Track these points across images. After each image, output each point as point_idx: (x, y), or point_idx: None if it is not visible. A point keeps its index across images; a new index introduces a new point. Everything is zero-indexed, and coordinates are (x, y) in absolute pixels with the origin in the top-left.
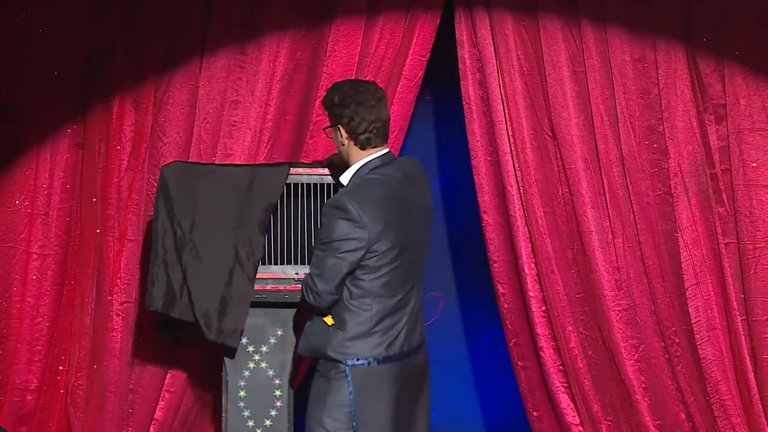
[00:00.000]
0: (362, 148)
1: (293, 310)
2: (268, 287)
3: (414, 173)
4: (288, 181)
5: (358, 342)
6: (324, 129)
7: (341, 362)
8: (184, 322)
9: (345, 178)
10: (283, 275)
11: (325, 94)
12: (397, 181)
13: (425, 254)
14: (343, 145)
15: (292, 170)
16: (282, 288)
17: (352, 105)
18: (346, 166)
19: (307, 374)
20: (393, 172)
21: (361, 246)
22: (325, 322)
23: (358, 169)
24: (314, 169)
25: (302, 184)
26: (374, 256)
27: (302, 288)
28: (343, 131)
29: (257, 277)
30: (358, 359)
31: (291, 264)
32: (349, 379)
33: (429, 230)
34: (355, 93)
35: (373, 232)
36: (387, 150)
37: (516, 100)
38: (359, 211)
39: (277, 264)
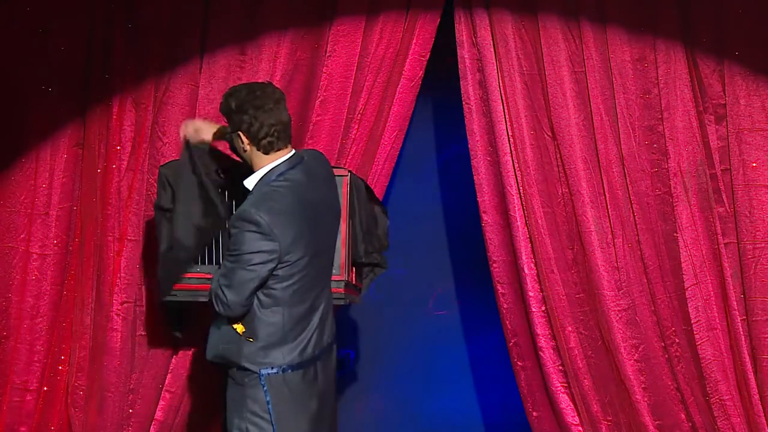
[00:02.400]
0: (265, 153)
1: None
2: None
3: (319, 171)
4: None
5: (272, 351)
6: (225, 137)
7: (254, 372)
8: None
9: (250, 183)
10: None
11: (221, 100)
12: (304, 186)
13: (332, 254)
14: (245, 151)
15: None
16: None
17: (250, 110)
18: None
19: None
20: (300, 177)
21: (272, 258)
22: (235, 330)
23: (264, 175)
24: None
25: None
26: (286, 266)
27: (210, 297)
28: (243, 138)
29: None
30: (272, 368)
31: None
32: (265, 388)
33: (337, 227)
34: (252, 98)
35: (284, 243)
36: (293, 152)
37: (516, 100)
38: (269, 224)
39: None
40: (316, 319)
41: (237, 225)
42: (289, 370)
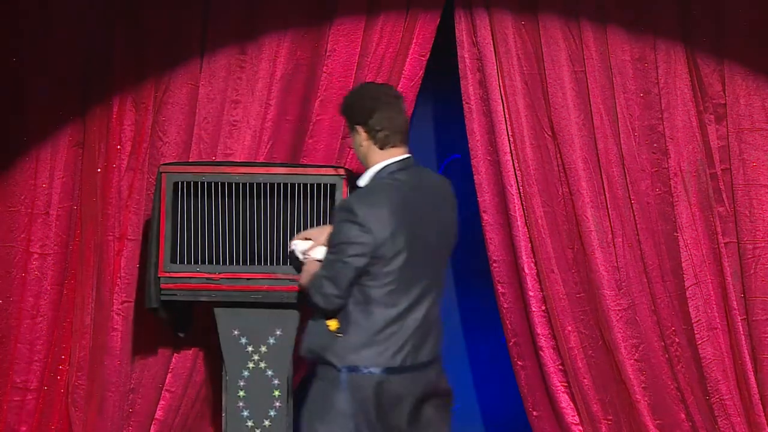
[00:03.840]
0: (381, 148)
1: (292, 311)
2: (265, 287)
3: (435, 186)
4: (284, 182)
5: (360, 350)
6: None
7: (338, 368)
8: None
9: (363, 182)
10: (281, 276)
11: (342, 100)
12: (412, 189)
13: (441, 269)
14: (361, 146)
15: (287, 171)
16: (279, 288)
17: (368, 101)
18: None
19: (306, 375)
20: (409, 179)
21: (365, 251)
22: (328, 326)
23: (377, 172)
24: (311, 170)
25: (298, 185)
26: (380, 263)
27: (310, 288)
28: (361, 131)
29: (253, 277)
30: (358, 367)
31: (287, 264)
32: (347, 387)
33: (449, 248)
34: (372, 91)
35: (379, 237)
36: (408, 155)
37: (516, 99)
38: (365, 215)
39: (273, 264)
40: (411, 328)
41: (336, 215)
42: (376, 373)
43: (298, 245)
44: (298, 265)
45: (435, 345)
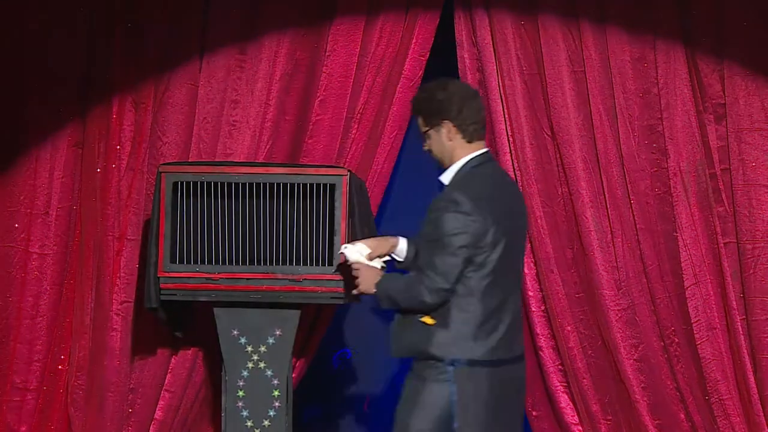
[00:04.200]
0: (469, 141)
1: (292, 311)
2: (264, 287)
3: (514, 182)
4: (284, 182)
5: (463, 342)
6: (424, 135)
7: (443, 361)
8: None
9: (447, 177)
10: (280, 276)
11: (415, 98)
12: (500, 178)
13: (522, 262)
14: (449, 141)
15: (286, 171)
16: (278, 288)
17: (456, 96)
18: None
19: (306, 372)
20: (493, 171)
21: (472, 241)
22: (424, 323)
23: (463, 166)
24: (311, 170)
25: (298, 185)
26: (482, 252)
27: (413, 288)
28: (450, 126)
29: (253, 277)
30: (461, 359)
31: (287, 264)
32: (452, 379)
33: (525, 241)
34: (455, 86)
35: (484, 225)
36: (487, 149)
37: (515, 99)
38: (470, 205)
39: (273, 264)
40: (507, 321)
41: (438, 207)
42: (478, 366)
43: (353, 251)
44: (345, 269)
45: (522, 337)
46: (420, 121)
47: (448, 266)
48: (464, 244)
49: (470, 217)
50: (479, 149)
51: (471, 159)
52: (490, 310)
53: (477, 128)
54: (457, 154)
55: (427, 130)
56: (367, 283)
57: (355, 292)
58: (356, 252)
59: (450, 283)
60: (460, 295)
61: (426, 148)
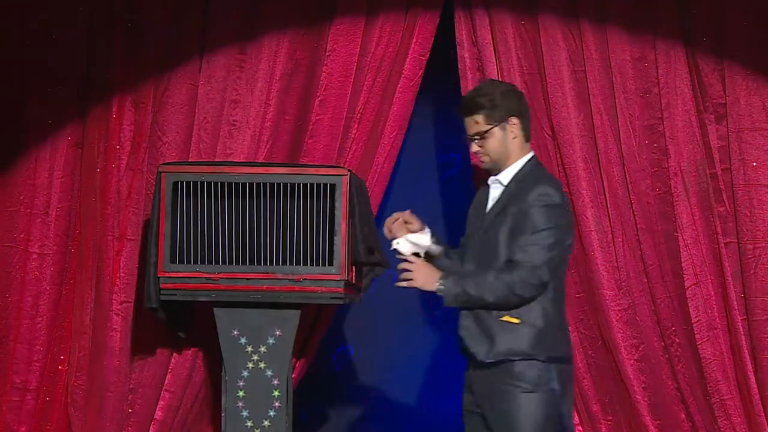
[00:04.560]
0: (527, 140)
1: (292, 311)
2: (264, 287)
3: None
4: (284, 182)
5: (557, 340)
6: (485, 133)
7: (544, 361)
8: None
9: (507, 177)
10: (280, 276)
11: (475, 96)
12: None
13: None
14: (514, 139)
15: (286, 171)
16: (278, 288)
17: (514, 95)
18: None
19: (306, 372)
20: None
21: (564, 237)
22: (511, 322)
23: (523, 165)
24: (311, 170)
25: (298, 185)
26: (567, 249)
27: (515, 283)
28: (518, 122)
29: (253, 277)
30: (555, 356)
31: (287, 264)
32: (557, 377)
33: None
34: (510, 86)
35: (570, 222)
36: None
37: None
38: (564, 198)
39: (273, 264)
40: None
41: (541, 201)
42: (565, 363)
43: (405, 244)
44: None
45: None
46: (481, 119)
47: (555, 259)
48: (568, 239)
49: (569, 212)
50: (531, 152)
51: (531, 158)
52: (564, 306)
53: (529, 128)
54: (516, 155)
55: (491, 128)
56: (425, 280)
57: (403, 284)
58: (410, 245)
59: (548, 278)
60: (549, 290)
61: (477, 149)
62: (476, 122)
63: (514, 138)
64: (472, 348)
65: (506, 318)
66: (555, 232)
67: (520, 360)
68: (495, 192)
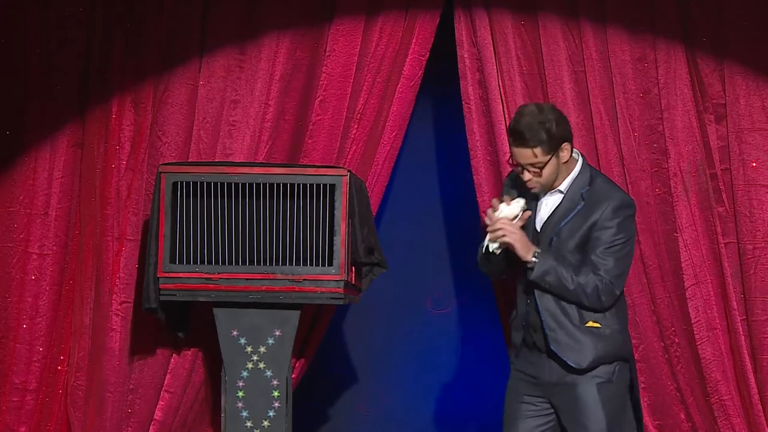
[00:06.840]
0: (572, 154)
1: (291, 311)
2: (264, 288)
3: None
4: (284, 182)
5: (628, 341)
6: (543, 165)
7: (627, 361)
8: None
9: (566, 185)
10: (280, 276)
11: (531, 127)
12: None
13: None
14: (565, 162)
15: (286, 171)
16: (278, 289)
17: (563, 120)
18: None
19: (305, 373)
20: None
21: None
22: (594, 327)
23: (579, 172)
24: (311, 170)
25: (297, 185)
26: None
27: (600, 290)
28: (568, 147)
29: (253, 277)
30: (631, 353)
31: (287, 265)
32: (634, 377)
33: None
34: (547, 107)
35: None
36: None
37: (515, 99)
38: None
39: (273, 264)
40: None
41: (621, 213)
42: (633, 359)
43: (514, 206)
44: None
45: None
46: (539, 152)
47: (626, 268)
48: (632, 247)
49: (634, 221)
50: (578, 158)
51: (583, 165)
52: (627, 309)
53: None
54: (568, 167)
55: (548, 160)
56: (524, 244)
57: (494, 245)
58: (517, 206)
59: (623, 288)
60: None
61: (531, 177)
62: (534, 155)
63: (564, 162)
64: (568, 360)
65: (590, 324)
66: (630, 242)
67: (607, 363)
68: (551, 199)
